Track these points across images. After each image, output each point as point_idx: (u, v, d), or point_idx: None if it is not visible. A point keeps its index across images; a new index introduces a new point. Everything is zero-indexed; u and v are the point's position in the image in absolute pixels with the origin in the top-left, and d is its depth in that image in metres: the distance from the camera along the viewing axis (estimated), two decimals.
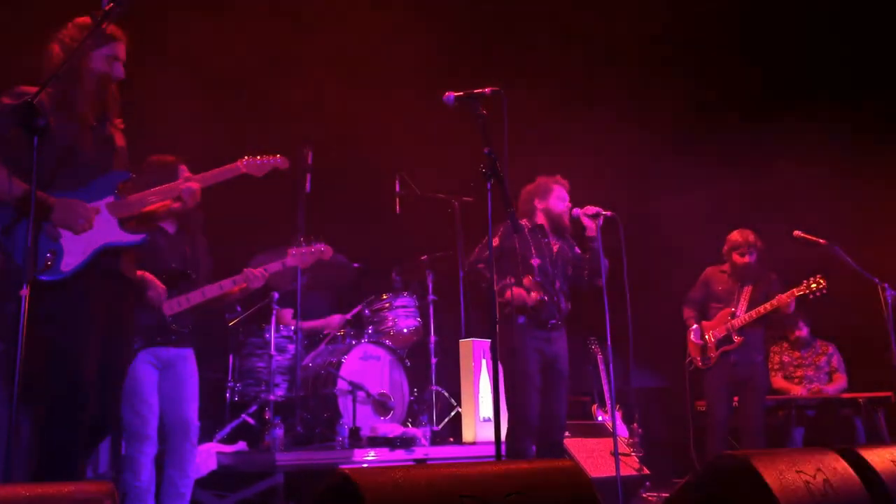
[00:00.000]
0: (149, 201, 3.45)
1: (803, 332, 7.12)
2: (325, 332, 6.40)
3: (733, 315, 5.87)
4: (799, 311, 6.41)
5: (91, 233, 3.17)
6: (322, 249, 4.49)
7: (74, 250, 3.12)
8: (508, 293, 4.57)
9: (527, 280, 4.67)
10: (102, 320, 3.17)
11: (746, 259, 5.94)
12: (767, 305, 5.76)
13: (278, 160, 3.94)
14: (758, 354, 5.93)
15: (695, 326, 6.00)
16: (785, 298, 5.71)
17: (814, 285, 5.68)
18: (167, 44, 5.92)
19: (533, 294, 4.64)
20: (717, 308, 5.99)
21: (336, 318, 6.49)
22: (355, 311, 6.49)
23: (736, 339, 5.81)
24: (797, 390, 6.88)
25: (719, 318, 5.94)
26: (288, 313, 6.27)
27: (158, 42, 5.83)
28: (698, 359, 5.94)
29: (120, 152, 3.39)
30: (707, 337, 5.93)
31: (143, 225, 3.45)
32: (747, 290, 5.94)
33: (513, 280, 4.65)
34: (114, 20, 3.13)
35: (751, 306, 5.86)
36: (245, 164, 3.83)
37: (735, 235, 6.03)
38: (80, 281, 3.11)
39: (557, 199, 4.93)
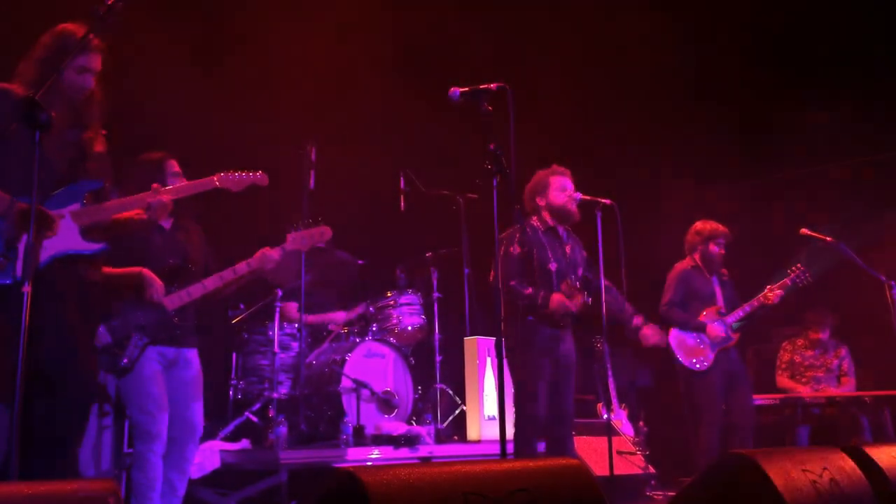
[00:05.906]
0: (116, 210, 3.40)
1: (825, 334, 6.90)
2: (330, 329, 6.38)
3: (720, 312, 5.59)
4: (829, 312, 6.33)
5: (51, 239, 3.15)
6: (321, 231, 4.36)
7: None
8: (552, 304, 4.49)
9: (564, 286, 4.58)
10: (59, 323, 3.15)
11: (723, 250, 5.68)
12: (761, 298, 5.53)
13: (258, 176, 3.85)
14: (737, 349, 5.70)
15: (714, 322, 5.52)
16: (776, 289, 5.52)
17: (798, 274, 5.53)
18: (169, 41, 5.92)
19: (575, 299, 4.55)
20: (700, 306, 5.63)
21: (340, 315, 6.47)
22: (358, 310, 6.46)
23: (733, 336, 5.55)
24: (803, 390, 6.79)
25: (708, 316, 5.60)
26: (292, 307, 6.24)
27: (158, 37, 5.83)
28: (701, 360, 5.49)
29: (97, 160, 3.34)
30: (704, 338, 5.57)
31: (109, 233, 3.40)
32: (717, 284, 5.71)
33: (534, 287, 4.56)
34: (118, 15, 3.07)
35: (726, 302, 5.64)
36: (220, 178, 3.76)
37: (709, 225, 5.70)
38: (36, 286, 2.98)
39: (557, 190, 4.76)
